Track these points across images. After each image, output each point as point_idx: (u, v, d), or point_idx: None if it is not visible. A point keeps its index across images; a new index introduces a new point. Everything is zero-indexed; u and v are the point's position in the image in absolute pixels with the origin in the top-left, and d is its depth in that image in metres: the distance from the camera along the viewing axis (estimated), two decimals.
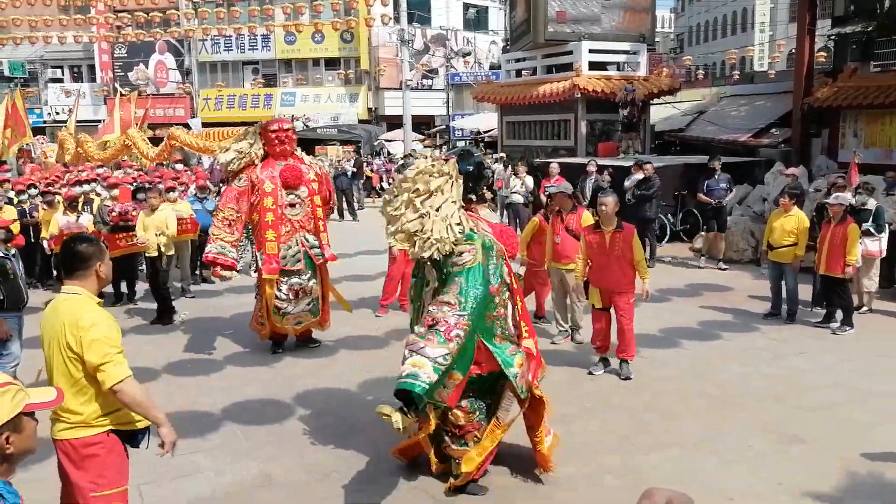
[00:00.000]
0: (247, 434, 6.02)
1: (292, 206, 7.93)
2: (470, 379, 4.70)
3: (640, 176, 12.60)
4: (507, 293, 4.84)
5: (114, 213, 10.25)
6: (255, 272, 9.33)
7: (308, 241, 7.96)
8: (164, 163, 17.02)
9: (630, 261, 7.06)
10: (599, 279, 7.23)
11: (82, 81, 38.28)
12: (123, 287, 10.72)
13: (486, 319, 4.69)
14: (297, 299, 7.94)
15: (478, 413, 4.90)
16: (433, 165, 4.74)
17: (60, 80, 38.97)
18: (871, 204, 9.43)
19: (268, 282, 7.87)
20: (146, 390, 3.48)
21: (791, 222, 8.98)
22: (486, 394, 4.89)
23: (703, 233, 13.05)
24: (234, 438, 5.96)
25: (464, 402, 4.83)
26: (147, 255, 9.79)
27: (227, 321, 9.53)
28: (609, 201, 7.09)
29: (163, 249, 9.62)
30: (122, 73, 37.38)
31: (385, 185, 24.75)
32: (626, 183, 12.82)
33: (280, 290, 7.88)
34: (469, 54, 37.45)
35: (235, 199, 7.83)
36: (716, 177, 12.43)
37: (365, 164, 25.82)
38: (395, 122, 34.41)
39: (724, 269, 12.16)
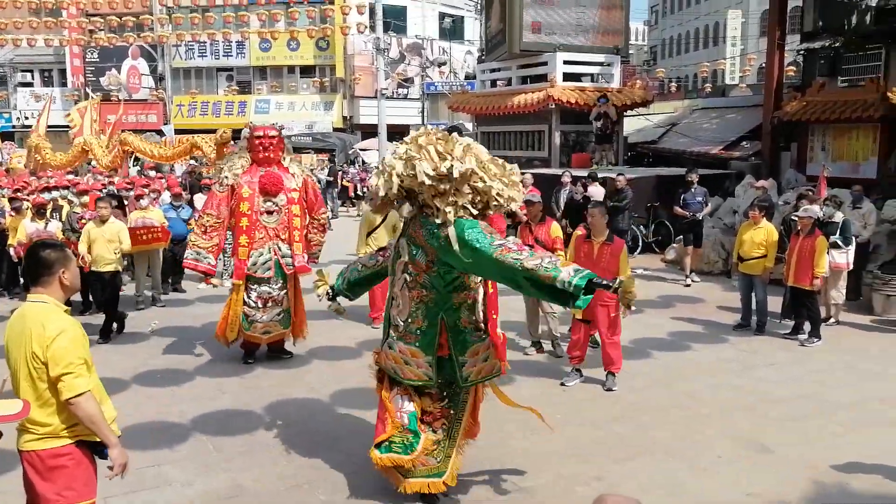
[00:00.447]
0: (217, 445, 5.96)
1: (269, 213, 7.91)
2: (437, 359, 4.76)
3: (594, 189, 12.78)
4: (481, 280, 4.86)
5: (83, 221, 10.09)
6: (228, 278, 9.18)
7: (280, 250, 7.93)
8: (118, 169, 16.71)
9: (615, 274, 7.09)
10: None
11: (53, 86, 37.68)
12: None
13: (453, 300, 4.72)
14: (265, 307, 7.89)
15: (446, 399, 4.93)
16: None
17: (30, 84, 38.29)
18: (839, 217, 9.59)
19: (235, 287, 7.83)
20: (100, 409, 3.41)
21: (760, 234, 9.10)
22: (453, 381, 4.89)
23: (675, 244, 13.16)
24: (204, 449, 5.89)
25: (433, 389, 4.86)
26: (97, 269, 9.15)
27: (199, 330, 9.43)
28: (597, 212, 7.26)
29: (119, 267, 9.29)
30: (94, 78, 36.86)
31: (360, 192, 24.62)
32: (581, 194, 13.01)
33: (249, 297, 7.85)
34: (444, 64, 37.58)
35: (216, 206, 7.88)
36: (692, 190, 12.36)
37: (340, 172, 25.71)
38: (370, 131, 34.30)
39: (696, 282, 12.27)
